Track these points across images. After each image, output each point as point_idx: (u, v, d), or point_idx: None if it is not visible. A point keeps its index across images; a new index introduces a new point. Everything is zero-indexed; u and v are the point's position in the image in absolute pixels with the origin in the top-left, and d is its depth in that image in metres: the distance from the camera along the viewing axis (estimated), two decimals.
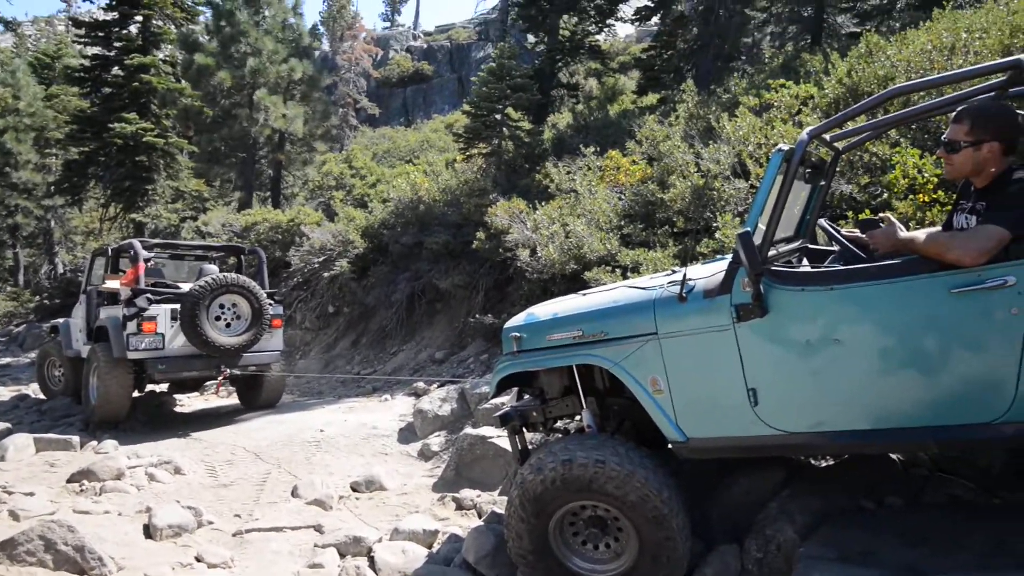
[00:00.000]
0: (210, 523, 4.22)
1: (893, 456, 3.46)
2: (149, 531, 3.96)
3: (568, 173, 8.72)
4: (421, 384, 7.61)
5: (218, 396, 8.82)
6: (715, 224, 5.54)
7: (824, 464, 3.59)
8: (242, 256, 9.02)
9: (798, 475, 3.35)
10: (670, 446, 2.86)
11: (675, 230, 6.42)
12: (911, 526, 2.75)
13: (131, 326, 6.68)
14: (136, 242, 7.29)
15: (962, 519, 2.79)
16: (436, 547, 3.86)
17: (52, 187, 18.76)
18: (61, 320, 8.70)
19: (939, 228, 2.66)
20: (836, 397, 2.43)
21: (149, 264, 7.51)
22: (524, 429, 3.61)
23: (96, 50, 17.09)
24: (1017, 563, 2.40)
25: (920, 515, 2.90)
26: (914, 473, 3.29)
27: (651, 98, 13.06)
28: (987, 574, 2.26)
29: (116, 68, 16.71)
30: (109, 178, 16.59)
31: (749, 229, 2.41)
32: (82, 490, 4.71)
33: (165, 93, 16.55)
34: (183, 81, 17.27)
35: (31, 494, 4.42)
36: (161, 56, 17.24)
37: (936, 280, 2.21)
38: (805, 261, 3.22)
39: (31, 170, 20.01)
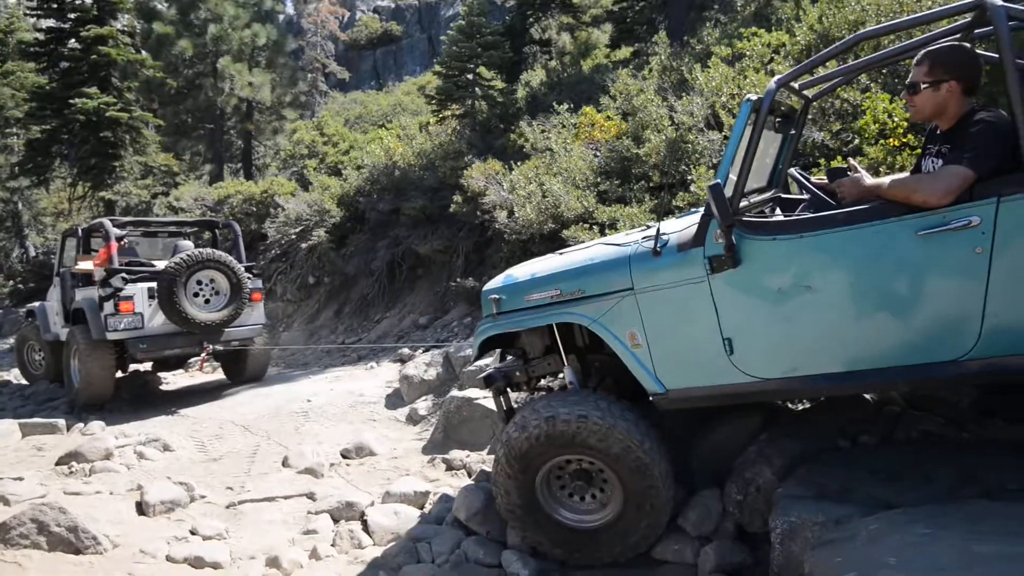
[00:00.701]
0: (202, 497, 4.26)
1: (867, 396, 3.57)
2: (142, 508, 3.98)
3: (543, 132, 8.64)
4: (406, 350, 7.65)
5: (202, 372, 8.80)
6: (690, 177, 5.55)
7: (800, 408, 3.70)
8: (216, 230, 8.90)
9: (775, 420, 3.46)
10: (651, 398, 2.93)
11: (651, 185, 6.43)
12: (884, 463, 2.86)
13: (108, 307, 6.60)
14: (107, 221, 7.15)
15: (933, 454, 2.90)
16: (428, 507, 3.94)
17: (16, 168, 18.21)
18: (37, 304, 8.57)
19: (907, 174, 2.70)
20: (809, 343, 2.49)
21: (122, 243, 7.38)
22: (508, 389, 3.67)
23: (50, 22, 16.46)
24: (982, 493, 2.52)
25: (893, 452, 3.01)
26: (887, 411, 3.39)
27: (624, 52, 12.87)
28: (952, 505, 2.36)
29: (72, 41, 16.13)
30: (74, 156, 16.15)
31: (720, 181, 2.43)
32: (71, 472, 4.71)
33: (125, 65, 16.03)
34: (143, 52, 16.72)
35: (20, 479, 4.41)
36: (119, 26, 16.64)
37: (903, 224, 2.26)
38: (778, 211, 3.26)
39: None
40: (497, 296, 3.29)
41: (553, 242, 6.30)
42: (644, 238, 2.87)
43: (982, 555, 1.93)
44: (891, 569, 1.99)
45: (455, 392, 5.33)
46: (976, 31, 2.56)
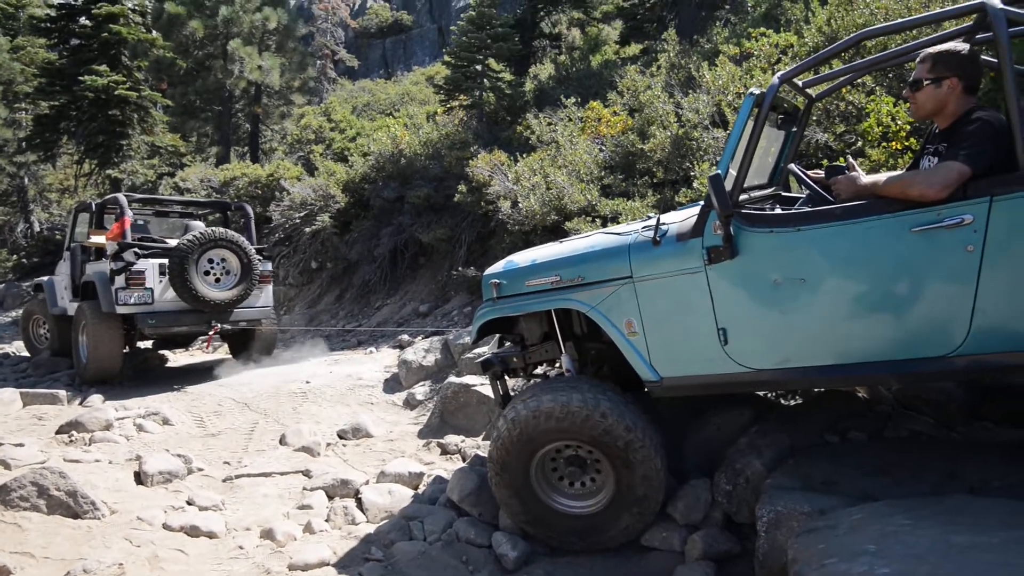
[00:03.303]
0: (200, 470, 4.33)
1: (859, 394, 3.62)
2: (140, 478, 4.05)
3: (549, 125, 8.67)
4: (406, 336, 7.70)
5: (206, 352, 8.85)
6: (693, 174, 5.59)
7: (792, 403, 3.75)
8: (228, 212, 8.95)
9: (767, 413, 3.51)
10: (645, 387, 2.97)
11: (655, 180, 6.46)
12: (872, 458, 2.91)
13: (119, 280, 6.65)
14: (121, 196, 7.20)
15: (920, 452, 2.95)
16: (422, 488, 4.00)
17: (23, 143, 18.25)
18: (45, 278, 8.61)
19: (902, 172, 2.73)
20: (802, 335, 2.53)
21: (134, 220, 7.44)
22: (505, 375, 3.71)
23: None
24: (966, 490, 2.57)
25: (881, 448, 3.06)
26: (878, 410, 3.44)
27: (633, 48, 12.89)
28: (933, 499, 2.41)
29: (83, 18, 16.14)
30: (82, 133, 16.19)
31: (720, 172, 2.47)
32: (71, 441, 4.78)
33: (136, 44, 16.05)
34: (154, 31, 16.74)
35: (21, 445, 4.48)
36: (130, 5, 16.65)
37: (898, 219, 2.30)
38: (778, 208, 3.29)
39: (0, 126, 19.42)
40: (498, 280, 3.34)
41: (556, 234, 6.34)
42: (644, 228, 2.92)
43: (958, 545, 1.98)
44: (871, 556, 2.03)
45: (453, 378, 5.38)
46: (979, 35, 2.60)
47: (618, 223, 5.55)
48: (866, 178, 2.45)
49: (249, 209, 8.27)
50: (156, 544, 3.18)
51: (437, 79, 15.89)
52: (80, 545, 3.10)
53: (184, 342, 8.70)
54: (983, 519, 2.15)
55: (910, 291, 2.33)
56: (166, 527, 3.40)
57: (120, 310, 6.66)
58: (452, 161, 9.53)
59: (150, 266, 6.81)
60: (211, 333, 7.25)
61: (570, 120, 8.52)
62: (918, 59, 2.43)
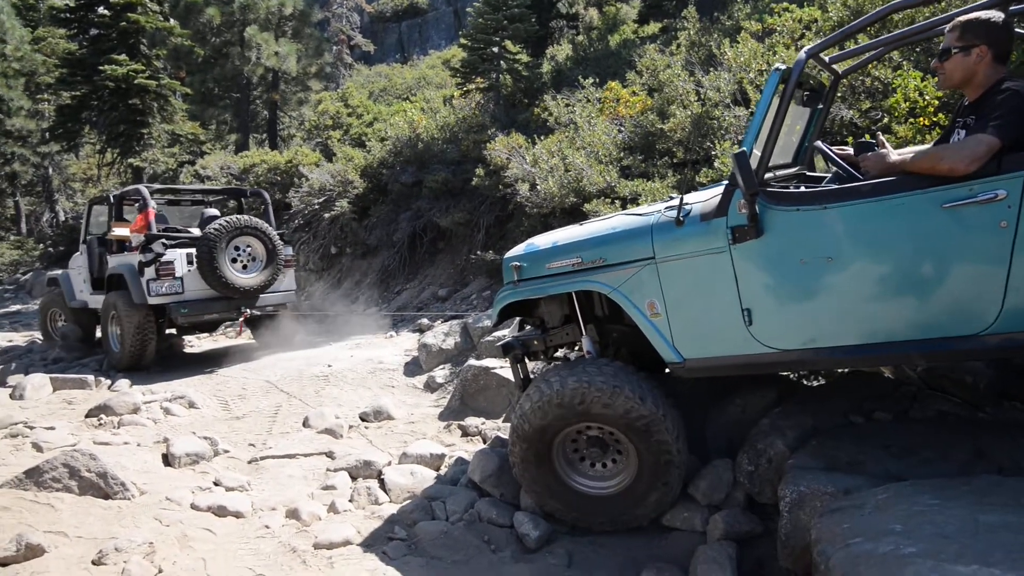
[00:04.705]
0: (226, 451, 4.40)
1: (884, 374, 3.57)
2: (168, 460, 4.13)
3: (567, 106, 8.59)
4: (425, 320, 7.74)
5: (239, 336, 8.96)
6: (714, 153, 5.51)
7: (816, 383, 3.71)
8: (243, 199, 9.01)
9: (790, 394, 3.47)
10: (668, 368, 2.95)
11: (675, 161, 6.39)
12: (898, 439, 2.87)
13: (149, 272, 6.76)
14: (143, 188, 7.29)
15: (947, 432, 2.90)
16: (443, 469, 4.03)
17: (47, 133, 18.51)
18: (60, 272, 8.69)
19: (929, 146, 2.67)
20: (829, 315, 2.49)
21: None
22: (526, 358, 3.71)
23: None
24: (995, 470, 2.53)
25: (907, 429, 3.01)
26: (904, 390, 3.39)
27: (652, 27, 12.69)
28: (961, 479, 2.38)
29: (102, 7, 16.22)
30: (103, 123, 16.36)
31: (745, 149, 2.42)
32: (100, 424, 4.88)
33: (154, 32, 16.11)
34: (171, 20, 16.79)
35: (52, 428, 4.59)
36: None
37: (928, 196, 2.24)
38: (802, 187, 3.24)
39: (24, 117, 19.64)
40: (518, 263, 3.33)
41: (574, 216, 6.30)
42: (667, 208, 2.88)
43: (987, 524, 1.95)
44: (897, 536, 2.01)
45: (472, 361, 5.40)
46: (1012, 6, 2.51)
47: (638, 204, 5.50)
48: (895, 156, 2.40)
49: (266, 195, 8.34)
50: (185, 524, 3.25)
51: (453, 62, 15.80)
52: (111, 524, 3.17)
53: (211, 328, 8.82)
54: (1012, 499, 2.11)
55: (940, 269, 2.28)
56: (194, 507, 3.47)
57: (152, 301, 6.77)
58: (469, 145, 9.50)
59: (178, 256, 6.91)
60: (241, 320, 7.37)
61: (588, 101, 8.43)
62: (947, 28, 2.36)
